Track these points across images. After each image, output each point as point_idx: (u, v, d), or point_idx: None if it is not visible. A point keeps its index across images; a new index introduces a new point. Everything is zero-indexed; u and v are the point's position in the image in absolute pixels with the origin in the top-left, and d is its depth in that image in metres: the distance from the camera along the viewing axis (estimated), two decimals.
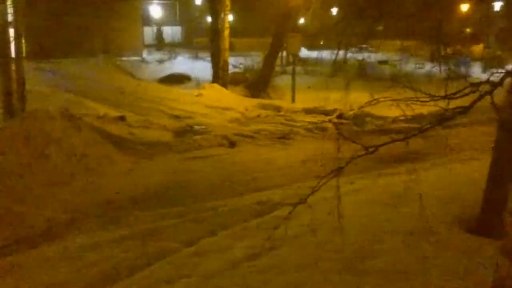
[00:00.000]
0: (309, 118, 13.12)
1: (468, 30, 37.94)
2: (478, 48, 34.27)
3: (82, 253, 5.32)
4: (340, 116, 13.24)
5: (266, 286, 4.38)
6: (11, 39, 10.51)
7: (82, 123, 9.71)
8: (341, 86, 21.78)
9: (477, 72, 25.05)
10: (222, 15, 17.73)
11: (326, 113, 13.76)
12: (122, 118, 11.78)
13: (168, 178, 8.46)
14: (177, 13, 40.01)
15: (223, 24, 17.23)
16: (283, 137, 11.32)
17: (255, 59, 23.39)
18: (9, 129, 8.57)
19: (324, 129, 12.18)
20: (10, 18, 10.48)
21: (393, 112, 14.36)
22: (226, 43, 17.45)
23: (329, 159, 10.38)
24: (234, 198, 7.38)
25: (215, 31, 18.48)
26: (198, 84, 19.34)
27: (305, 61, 27.44)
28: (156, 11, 37.42)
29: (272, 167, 9.19)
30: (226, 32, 17.22)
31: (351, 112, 13.30)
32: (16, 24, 10.64)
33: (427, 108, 14.47)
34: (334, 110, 13.66)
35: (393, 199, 6.55)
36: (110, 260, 5.08)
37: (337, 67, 26.86)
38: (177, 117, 13.30)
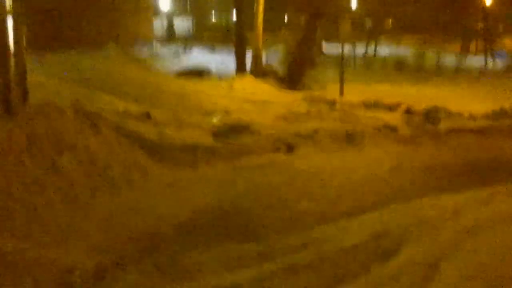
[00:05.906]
0: (371, 113, 10.81)
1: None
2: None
3: None
4: (408, 111, 10.94)
5: None
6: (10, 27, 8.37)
7: (101, 121, 7.46)
8: (379, 78, 19.69)
9: None
10: None
11: (389, 107, 11.46)
12: (147, 116, 9.52)
13: (223, 195, 6.23)
14: (188, 4, 37.67)
15: (257, 6, 14.71)
16: (350, 139, 9.02)
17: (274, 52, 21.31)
18: (6, 132, 6.27)
19: (393, 129, 9.92)
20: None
21: (469, 106, 12.27)
22: (260, 28, 14.98)
23: (421, 168, 7.86)
24: (324, 226, 5.14)
25: (240, 17, 16.26)
26: (221, 78, 16.99)
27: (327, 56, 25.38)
28: (165, 2, 35.00)
29: (356, 179, 6.93)
30: (261, 17, 14.72)
31: (421, 107, 11.02)
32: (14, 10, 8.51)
33: (509, 102, 11.49)
34: (398, 105, 11.36)
35: None
36: None
37: (369, 60, 25.08)
38: (209, 113, 11.01)
